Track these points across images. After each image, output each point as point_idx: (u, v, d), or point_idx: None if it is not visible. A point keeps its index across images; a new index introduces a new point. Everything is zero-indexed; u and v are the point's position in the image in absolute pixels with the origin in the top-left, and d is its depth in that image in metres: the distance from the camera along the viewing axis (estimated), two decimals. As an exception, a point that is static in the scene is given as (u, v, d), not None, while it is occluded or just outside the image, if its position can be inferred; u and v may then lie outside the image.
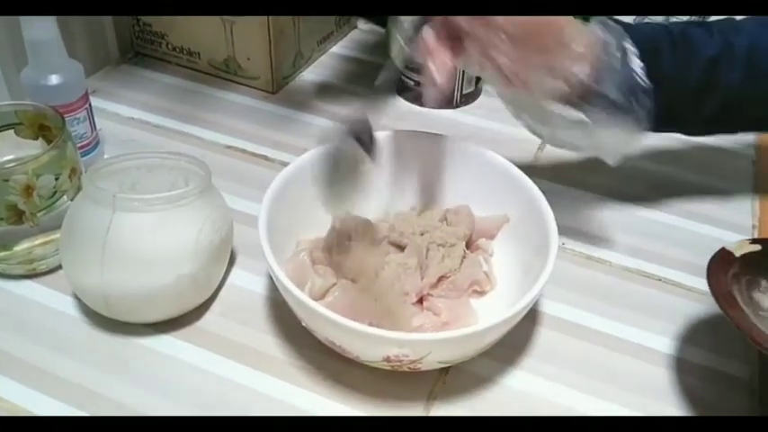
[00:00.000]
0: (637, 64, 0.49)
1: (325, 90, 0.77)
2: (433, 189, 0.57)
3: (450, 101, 0.75)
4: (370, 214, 0.56)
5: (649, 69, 0.49)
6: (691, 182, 0.63)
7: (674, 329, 0.52)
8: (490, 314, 0.48)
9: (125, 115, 0.71)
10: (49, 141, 0.53)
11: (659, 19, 0.73)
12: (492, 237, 0.55)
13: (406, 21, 0.48)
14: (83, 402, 0.45)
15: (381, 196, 0.56)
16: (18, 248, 0.52)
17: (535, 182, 0.53)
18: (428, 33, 0.47)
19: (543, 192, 0.51)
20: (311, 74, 0.80)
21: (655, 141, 0.70)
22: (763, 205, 0.64)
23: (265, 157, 0.67)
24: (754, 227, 0.61)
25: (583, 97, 0.48)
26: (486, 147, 0.56)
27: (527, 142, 0.70)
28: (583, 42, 0.47)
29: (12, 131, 0.54)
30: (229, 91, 0.76)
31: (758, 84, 0.52)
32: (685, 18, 0.67)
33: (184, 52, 0.78)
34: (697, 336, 0.51)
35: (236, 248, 0.56)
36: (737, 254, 0.48)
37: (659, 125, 0.50)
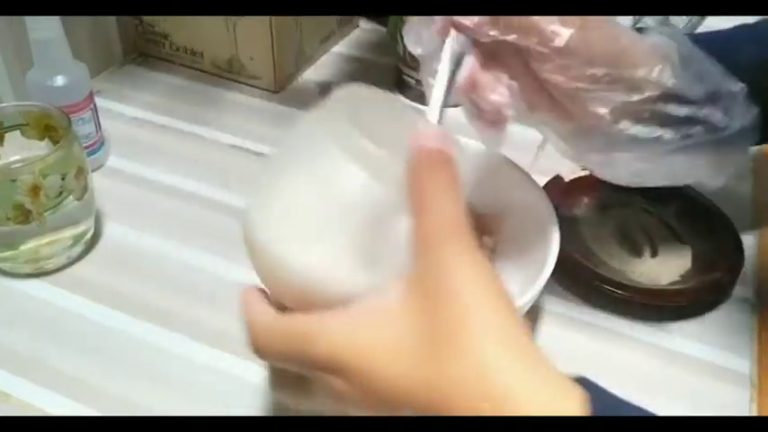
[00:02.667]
0: (715, 65, 0.41)
1: (328, 89, 0.76)
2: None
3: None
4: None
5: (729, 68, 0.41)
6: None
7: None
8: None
9: (129, 115, 0.72)
10: (55, 142, 0.54)
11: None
12: (492, 233, 0.56)
13: (442, 58, 0.38)
14: (90, 399, 0.46)
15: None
16: (25, 247, 0.52)
17: (536, 179, 0.53)
18: (468, 64, 0.38)
19: (544, 188, 0.52)
20: (314, 73, 0.80)
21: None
22: (760, 204, 0.64)
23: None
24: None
25: (658, 111, 0.40)
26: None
27: (528, 140, 0.70)
28: (644, 47, 0.40)
29: (18, 132, 0.54)
30: (233, 90, 0.77)
31: None
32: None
33: (188, 52, 0.79)
34: (694, 328, 0.52)
35: (243, 247, 0.57)
36: (567, 179, 0.60)
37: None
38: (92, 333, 0.50)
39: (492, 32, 0.37)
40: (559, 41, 0.37)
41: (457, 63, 0.38)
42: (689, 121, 0.40)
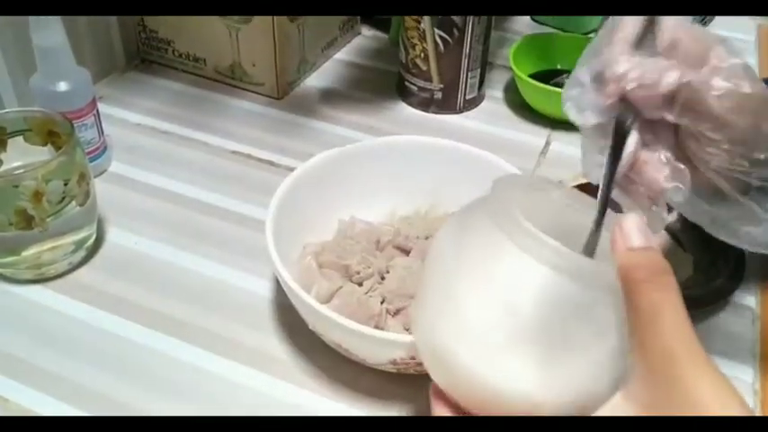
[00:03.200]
0: None
1: (330, 96, 0.78)
2: (438, 193, 0.57)
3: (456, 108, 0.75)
4: (375, 218, 0.56)
5: None
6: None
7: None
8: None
9: (132, 121, 0.72)
10: (57, 147, 0.54)
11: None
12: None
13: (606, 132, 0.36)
14: (90, 404, 0.46)
15: (386, 200, 0.57)
16: (27, 253, 0.52)
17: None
18: (633, 139, 0.36)
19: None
20: (316, 80, 0.80)
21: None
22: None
23: (271, 163, 0.67)
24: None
25: None
26: (489, 151, 0.56)
27: (529, 146, 0.71)
28: None
29: (20, 138, 0.54)
30: (235, 97, 0.77)
31: None
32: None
33: (190, 58, 0.79)
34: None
35: (243, 253, 0.57)
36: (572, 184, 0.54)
37: None
38: (93, 339, 0.50)
39: (668, 115, 0.34)
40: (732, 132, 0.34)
41: (623, 138, 0.35)
42: None
